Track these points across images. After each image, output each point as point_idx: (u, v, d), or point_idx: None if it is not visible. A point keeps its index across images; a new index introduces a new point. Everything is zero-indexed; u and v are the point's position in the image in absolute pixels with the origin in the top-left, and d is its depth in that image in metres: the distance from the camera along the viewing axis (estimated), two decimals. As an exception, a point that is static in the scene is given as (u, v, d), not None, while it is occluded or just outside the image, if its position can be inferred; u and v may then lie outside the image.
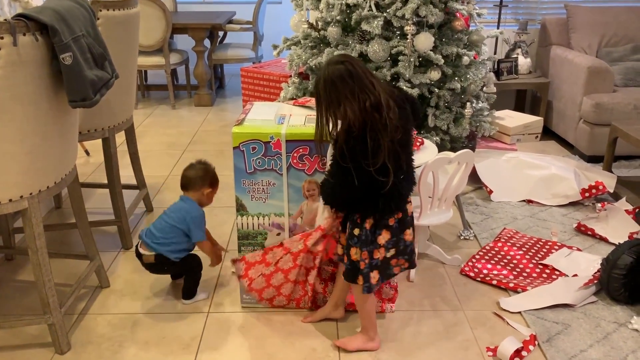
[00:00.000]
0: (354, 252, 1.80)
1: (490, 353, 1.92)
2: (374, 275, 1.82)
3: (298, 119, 2.03)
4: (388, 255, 1.83)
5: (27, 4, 2.59)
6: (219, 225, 2.78)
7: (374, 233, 1.78)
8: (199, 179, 2.17)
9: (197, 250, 2.22)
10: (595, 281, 2.22)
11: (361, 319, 1.96)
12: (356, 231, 1.79)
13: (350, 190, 1.70)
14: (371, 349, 1.95)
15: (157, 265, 2.17)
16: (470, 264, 2.42)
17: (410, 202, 1.84)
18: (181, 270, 2.23)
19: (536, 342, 1.95)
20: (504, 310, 2.14)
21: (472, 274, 2.36)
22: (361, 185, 1.68)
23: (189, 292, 2.21)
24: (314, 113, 2.07)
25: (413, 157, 1.82)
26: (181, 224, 2.13)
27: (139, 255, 2.18)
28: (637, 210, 2.77)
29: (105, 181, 2.59)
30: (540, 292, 2.21)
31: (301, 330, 2.05)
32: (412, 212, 1.85)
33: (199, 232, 2.15)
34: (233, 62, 5.28)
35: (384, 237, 1.79)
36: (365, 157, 1.64)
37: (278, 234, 2.05)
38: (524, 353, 1.89)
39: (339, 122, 1.70)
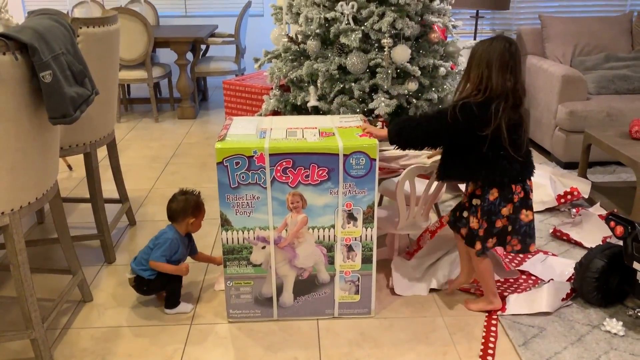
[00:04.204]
0: (472, 221, 2.09)
1: None
2: (492, 240, 2.08)
3: (279, 132, 2.07)
4: (508, 229, 2.06)
5: (7, 22, 2.61)
6: (202, 237, 2.81)
7: (498, 205, 2.02)
8: (181, 212, 2.24)
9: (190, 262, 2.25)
10: (573, 294, 2.28)
11: (480, 283, 2.25)
12: (475, 202, 2.07)
13: (430, 131, 2.01)
14: (492, 309, 2.20)
15: (138, 286, 2.25)
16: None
17: (532, 190, 2.07)
18: (161, 285, 2.25)
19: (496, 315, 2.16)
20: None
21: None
22: (448, 138, 2.01)
23: (170, 301, 2.24)
24: (294, 126, 2.13)
25: (530, 148, 2.05)
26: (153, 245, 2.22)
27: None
28: (608, 215, 2.84)
29: (88, 195, 2.61)
30: (519, 300, 2.25)
31: (283, 340, 2.08)
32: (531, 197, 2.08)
33: (157, 252, 2.19)
34: (216, 74, 5.32)
35: (507, 210, 2.03)
36: (481, 122, 1.90)
37: (263, 247, 2.08)
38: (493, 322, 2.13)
39: (475, 83, 1.94)
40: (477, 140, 1.93)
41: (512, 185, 2.01)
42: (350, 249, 2.09)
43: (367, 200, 2.02)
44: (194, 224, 2.27)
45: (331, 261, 2.11)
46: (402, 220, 2.31)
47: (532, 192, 2.06)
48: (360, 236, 2.07)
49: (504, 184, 2.00)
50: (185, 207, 2.24)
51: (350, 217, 2.05)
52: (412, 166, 2.24)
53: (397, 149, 2.09)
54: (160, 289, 2.26)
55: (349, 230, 2.07)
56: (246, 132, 2.08)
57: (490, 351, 2.00)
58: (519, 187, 2.02)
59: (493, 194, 2.02)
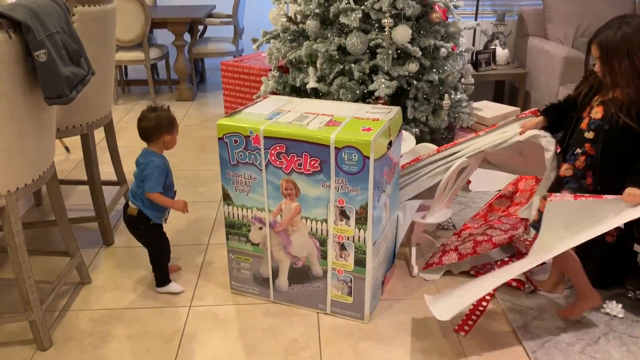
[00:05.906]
0: None
1: (463, 333, 1.99)
2: None
3: (290, 116, 2.01)
4: None
5: (1, 1, 2.56)
6: (201, 219, 2.80)
7: None
8: (155, 129, 2.12)
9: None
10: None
11: (574, 280, 2.10)
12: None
13: None
14: (593, 306, 2.08)
15: (136, 220, 2.16)
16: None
17: None
18: (147, 240, 2.23)
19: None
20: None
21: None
22: None
23: (158, 278, 2.25)
24: (311, 111, 2.06)
25: None
26: (142, 178, 2.12)
27: (125, 208, 2.20)
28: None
29: (86, 178, 2.59)
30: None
31: (282, 322, 2.08)
32: None
33: (150, 182, 2.08)
34: (213, 56, 5.26)
35: None
36: None
37: (260, 228, 2.08)
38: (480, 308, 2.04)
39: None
40: None
41: None
42: (342, 247, 1.98)
43: (360, 200, 1.88)
44: (170, 141, 2.16)
45: (324, 255, 2.03)
46: (432, 210, 2.32)
47: None
48: (353, 236, 1.95)
49: None
50: (159, 124, 2.11)
51: (343, 214, 1.93)
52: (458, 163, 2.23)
53: None
54: (145, 239, 2.23)
55: (341, 227, 1.95)
56: (261, 111, 2.07)
57: (470, 322, 2.00)
58: None
59: None
